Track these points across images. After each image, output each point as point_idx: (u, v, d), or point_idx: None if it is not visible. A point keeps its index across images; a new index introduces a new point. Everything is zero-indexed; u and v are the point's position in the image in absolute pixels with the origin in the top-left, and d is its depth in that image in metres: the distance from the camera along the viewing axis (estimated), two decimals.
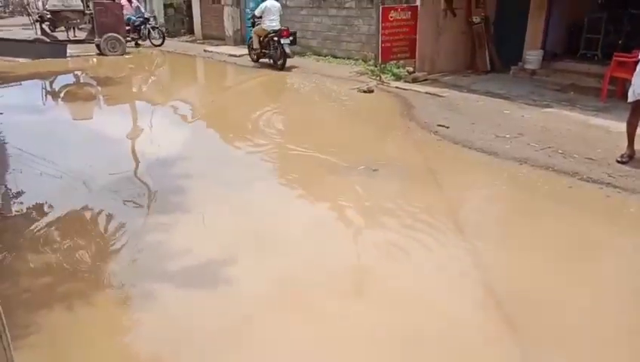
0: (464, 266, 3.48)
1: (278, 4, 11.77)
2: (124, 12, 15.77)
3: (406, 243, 3.80)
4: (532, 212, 4.39)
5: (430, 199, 4.62)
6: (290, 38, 11.48)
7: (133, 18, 16.34)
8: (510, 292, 3.18)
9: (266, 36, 11.78)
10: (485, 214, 4.50)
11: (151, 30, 16.49)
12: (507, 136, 6.18)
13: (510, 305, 3.02)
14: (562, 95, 8.13)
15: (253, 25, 12.17)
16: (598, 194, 4.60)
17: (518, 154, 5.53)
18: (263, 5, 11.62)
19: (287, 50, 11.34)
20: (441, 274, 3.43)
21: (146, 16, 16.68)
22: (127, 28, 15.82)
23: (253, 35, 12.27)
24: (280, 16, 11.80)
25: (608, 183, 4.73)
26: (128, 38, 15.89)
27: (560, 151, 5.56)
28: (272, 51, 11.79)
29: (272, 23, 11.54)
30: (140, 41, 16.49)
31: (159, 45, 16.36)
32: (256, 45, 12.20)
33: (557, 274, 3.38)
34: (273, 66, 11.78)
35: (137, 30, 16.40)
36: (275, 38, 11.49)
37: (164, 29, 17.60)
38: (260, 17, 11.65)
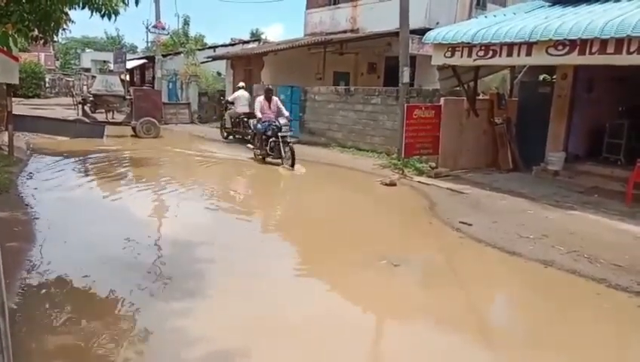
0: None
1: (247, 94, 15.05)
2: (264, 117, 11.08)
3: (425, 347, 3.67)
4: (558, 319, 4.22)
5: (452, 301, 4.50)
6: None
7: (261, 126, 11.18)
8: None
9: (237, 117, 14.69)
10: (512, 324, 4.37)
11: (281, 147, 10.72)
12: (531, 236, 6.11)
13: None
14: (586, 197, 8.10)
15: (226, 109, 15.37)
16: (628, 303, 4.44)
17: (543, 256, 5.44)
18: (235, 94, 15.10)
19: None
20: None
21: (281, 122, 10.81)
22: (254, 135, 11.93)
23: (226, 116, 15.31)
24: (248, 102, 14.66)
25: (638, 292, 4.57)
26: (255, 149, 11.69)
27: (586, 256, 5.44)
28: (241, 129, 14.51)
29: (243, 107, 14.67)
30: (270, 158, 11.17)
31: (292, 166, 10.55)
32: (228, 125, 15.21)
33: None
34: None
35: (264, 139, 11.19)
36: (245, 119, 14.10)
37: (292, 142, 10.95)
38: (232, 103, 14.94)
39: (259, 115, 11.26)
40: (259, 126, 11.29)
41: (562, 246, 5.74)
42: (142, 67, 29.28)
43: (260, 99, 11.47)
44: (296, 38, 20.24)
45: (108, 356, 3.33)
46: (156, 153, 12.75)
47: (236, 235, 6.39)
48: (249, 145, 12.07)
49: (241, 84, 15.52)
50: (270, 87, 12.15)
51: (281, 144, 10.68)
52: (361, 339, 3.76)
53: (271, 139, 10.93)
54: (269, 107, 11.35)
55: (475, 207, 7.60)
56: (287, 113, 11.32)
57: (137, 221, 6.69)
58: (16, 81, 9.71)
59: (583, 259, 5.36)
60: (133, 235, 5.91)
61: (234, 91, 19.72)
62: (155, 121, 15.50)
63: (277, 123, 10.77)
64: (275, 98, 11.66)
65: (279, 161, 10.79)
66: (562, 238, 6.04)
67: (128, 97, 16.26)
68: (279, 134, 10.69)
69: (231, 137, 15.14)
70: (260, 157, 11.40)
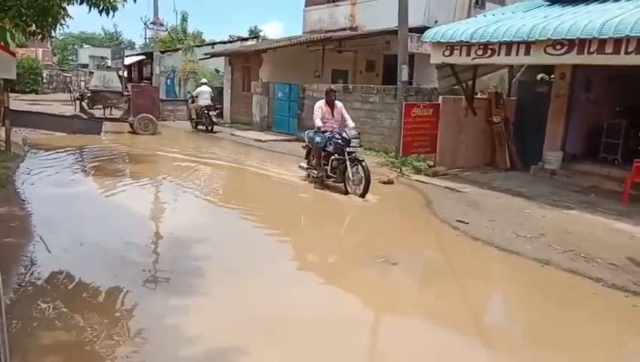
0: None
1: (209, 89, 17.42)
2: (325, 126, 8.46)
3: (423, 345, 3.67)
4: (555, 319, 4.22)
5: (450, 300, 4.50)
6: (217, 111, 17.08)
7: (320, 139, 8.49)
8: None
9: (199, 110, 16.80)
10: (509, 322, 4.39)
11: (347, 168, 8.06)
12: (528, 235, 6.12)
13: None
14: (583, 197, 8.12)
15: (193, 102, 17.45)
16: (624, 302, 4.45)
17: (540, 256, 5.45)
18: (198, 89, 17.40)
19: (214, 119, 16.65)
20: None
21: (350, 134, 8.06)
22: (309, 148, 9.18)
23: (191, 109, 17.58)
24: (211, 96, 17.13)
25: (634, 292, 4.58)
26: (310, 168, 8.98)
27: (583, 255, 5.45)
28: (204, 120, 16.72)
29: (205, 101, 16.84)
30: (330, 181, 8.56)
31: (363, 195, 7.84)
32: (193, 116, 17.30)
33: None
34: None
35: (324, 156, 8.57)
36: (206, 111, 16.59)
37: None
38: (197, 97, 17.09)
39: (319, 123, 8.42)
40: (317, 139, 8.47)
41: (559, 246, 5.75)
42: (140, 63, 29.22)
43: (321, 103, 8.70)
44: (295, 35, 20.22)
45: (105, 353, 3.33)
46: (162, 158, 12.71)
47: (234, 233, 6.39)
48: (302, 163, 9.36)
49: (204, 80, 18.56)
50: (333, 87, 9.53)
51: (348, 163, 7.96)
52: (360, 338, 3.76)
53: (333, 157, 8.28)
54: (332, 114, 8.59)
55: (473, 205, 7.60)
56: (352, 123, 8.54)
57: (136, 218, 6.67)
58: (14, 77, 9.69)
59: (579, 259, 5.38)
60: (131, 232, 5.91)
61: (232, 89, 19.88)
62: (153, 118, 15.46)
63: (345, 135, 8.08)
64: (338, 103, 8.81)
65: (342, 185, 8.24)
66: (559, 237, 6.06)
67: (126, 93, 16.21)
68: (347, 150, 7.96)
69: (199, 127, 17.03)
70: (319, 179, 8.72)
